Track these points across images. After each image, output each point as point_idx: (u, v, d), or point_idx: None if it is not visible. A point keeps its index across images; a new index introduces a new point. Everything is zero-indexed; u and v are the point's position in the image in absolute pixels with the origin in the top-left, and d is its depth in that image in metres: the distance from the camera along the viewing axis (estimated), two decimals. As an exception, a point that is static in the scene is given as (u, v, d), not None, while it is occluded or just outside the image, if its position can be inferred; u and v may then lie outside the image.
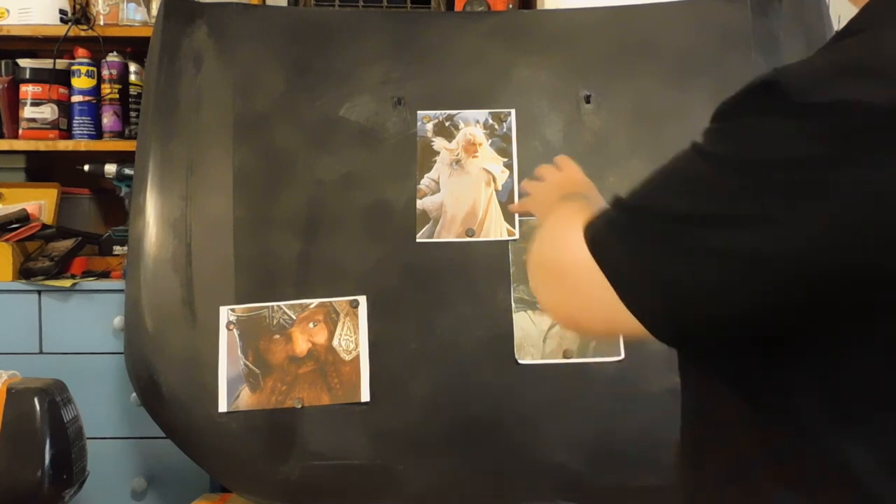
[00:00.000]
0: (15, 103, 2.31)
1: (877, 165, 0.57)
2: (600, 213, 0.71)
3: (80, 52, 2.31)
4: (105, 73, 2.30)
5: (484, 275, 1.71)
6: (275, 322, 1.69)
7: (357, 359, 1.66)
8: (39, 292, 2.00)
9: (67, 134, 2.31)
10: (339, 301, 1.69)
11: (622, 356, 1.66)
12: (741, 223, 0.60)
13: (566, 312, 0.76)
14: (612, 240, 0.68)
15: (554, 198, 1.03)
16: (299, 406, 1.64)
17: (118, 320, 1.95)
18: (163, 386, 1.65)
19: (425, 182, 1.76)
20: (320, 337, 1.68)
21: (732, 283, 0.61)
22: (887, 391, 0.63)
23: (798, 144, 0.59)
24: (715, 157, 0.63)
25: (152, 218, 1.73)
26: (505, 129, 1.77)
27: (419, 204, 1.74)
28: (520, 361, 1.66)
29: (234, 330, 1.68)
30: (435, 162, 1.77)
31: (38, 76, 2.30)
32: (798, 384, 0.66)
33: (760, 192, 0.60)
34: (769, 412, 0.68)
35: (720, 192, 0.62)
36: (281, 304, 1.69)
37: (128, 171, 2.12)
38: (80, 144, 2.30)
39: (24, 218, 2.17)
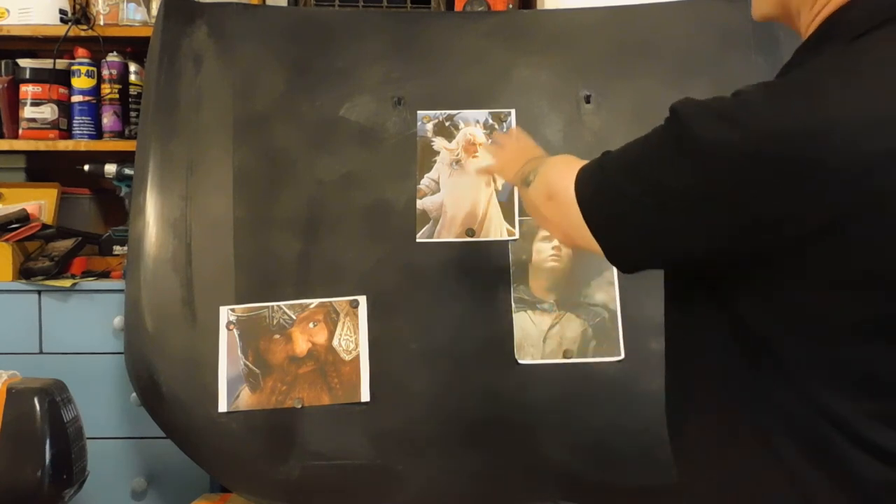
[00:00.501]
0: (15, 103, 2.31)
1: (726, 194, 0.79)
2: (590, 164, 0.98)
3: (80, 52, 2.31)
4: (105, 73, 2.30)
5: (484, 275, 1.71)
6: (275, 322, 1.69)
7: (357, 359, 1.66)
8: (39, 292, 2.00)
9: (67, 134, 2.31)
10: (339, 301, 1.69)
11: (622, 356, 1.66)
12: (660, 209, 0.85)
13: (561, 228, 1.06)
14: (591, 188, 0.95)
15: (516, 162, 1.30)
16: (299, 406, 1.64)
17: (118, 320, 1.95)
18: (163, 386, 1.65)
19: (425, 182, 1.76)
20: (320, 337, 1.68)
21: (658, 244, 0.88)
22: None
23: (681, 165, 0.82)
24: (652, 154, 0.88)
25: (152, 218, 1.73)
26: (505, 129, 1.77)
27: (419, 204, 1.74)
28: (520, 361, 1.66)
29: (234, 330, 1.68)
30: (435, 162, 1.77)
31: (38, 76, 2.30)
32: (721, 328, 0.88)
33: (663, 193, 0.85)
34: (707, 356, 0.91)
35: (651, 183, 0.86)
36: (281, 304, 1.69)
37: (128, 171, 2.13)
38: (80, 144, 2.30)
39: (24, 218, 2.17)
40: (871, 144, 0.74)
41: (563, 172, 1.02)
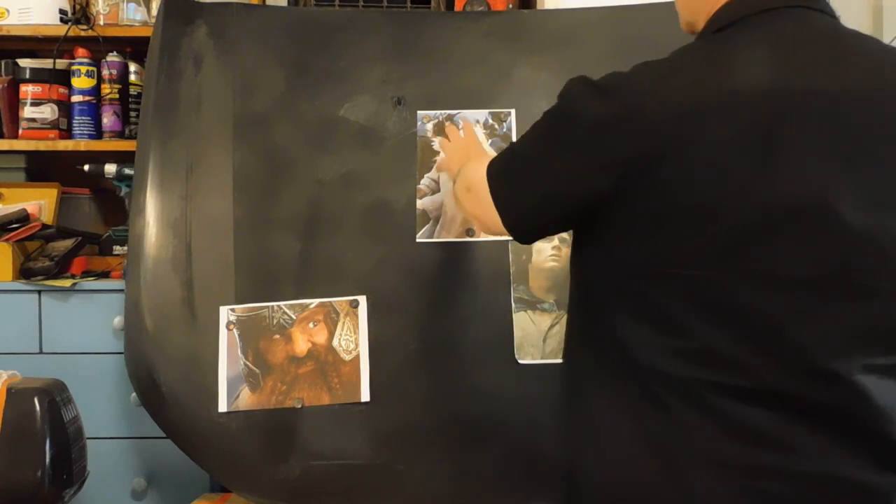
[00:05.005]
0: (15, 103, 2.31)
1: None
2: (497, 156, 1.16)
3: (80, 52, 2.31)
4: (105, 73, 2.30)
5: (484, 275, 1.71)
6: (275, 322, 1.69)
7: (357, 359, 1.66)
8: (39, 292, 2.00)
9: (67, 134, 2.31)
10: (339, 301, 1.69)
11: (622, 356, 1.65)
12: (539, 164, 1.06)
13: (479, 217, 1.22)
14: (496, 166, 1.13)
15: (459, 159, 1.48)
16: (299, 406, 1.64)
17: (118, 320, 1.95)
18: (163, 386, 1.65)
19: (425, 182, 1.76)
20: (320, 337, 1.68)
21: (539, 197, 1.06)
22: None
23: (557, 128, 1.05)
24: (543, 124, 1.08)
25: (152, 218, 1.73)
26: (505, 129, 1.77)
27: (419, 204, 1.74)
28: (520, 361, 1.66)
29: (234, 330, 1.68)
30: (435, 162, 1.77)
31: (38, 76, 2.30)
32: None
33: (543, 151, 1.07)
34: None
35: (538, 146, 1.08)
36: (281, 304, 1.69)
37: (128, 171, 2.12)
38: (80, 144, 2.30)
39: (24, 218, 2.17)
40: (673, 109, 0.93)
41: (481, 164, 1.16)
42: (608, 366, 1.00)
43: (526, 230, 1.12)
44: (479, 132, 1.78)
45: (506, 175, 1.11)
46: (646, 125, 0.93)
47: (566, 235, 1.71)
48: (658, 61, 1.00)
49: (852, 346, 0.90)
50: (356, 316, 1.68)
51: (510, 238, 1.14)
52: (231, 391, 1.64)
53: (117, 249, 2.20)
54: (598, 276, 1.03)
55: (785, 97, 0.91)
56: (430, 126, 1.79)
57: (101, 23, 2.30)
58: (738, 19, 1.00)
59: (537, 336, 1.67)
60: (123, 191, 2.18)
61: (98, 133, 2.32)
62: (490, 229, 1.18)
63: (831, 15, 1.02)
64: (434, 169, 1.76)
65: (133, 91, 2.32)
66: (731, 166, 0.90)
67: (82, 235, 2.21)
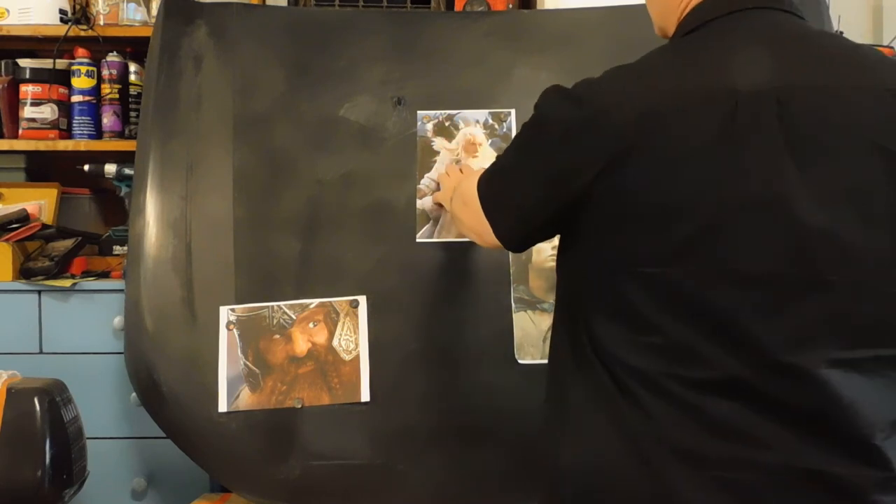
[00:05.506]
0: (15, 103, 2.31)
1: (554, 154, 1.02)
2: (485, 170, 1.19)
3: (80, 52, 2.31)
4: (105, 72, 2.30)
5: (484, 275, 1.71)
6: (275, 322, 1.69)
7: (357, 359, 1.66)
8: (39, 292, 2.00)
9: (67, 134, 2.31)
10: (339, 301, 1.69)
11: (622, 356, 1.65)
12: (522, 175, 1.09)
13: (475, 230, 1.24)
14: (484, 178, 1.17)
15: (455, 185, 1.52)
16: (299, 406, 1.64)
17: (118, 320, 1.95)
18: (163, 386, 1.65)
19: (425, 182, 1.76)
20: (320, 337, 1.68)
21: (525, 208, 1.09)
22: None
23: (532, 135, 1.07)
24: (521, 134, 1.10)
25: (152, 218, 1.73)
26: (505, 129, 1.77)
27: (419, 204, 1.74)
28: (520, 361, 1.66)
29: (234, 330, 1.68)
30: (435, 162, 1.77)
31: (38, 76, 2.30)
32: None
33: (523, 162, 1.10)
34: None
35: (518, 157, 1.12)
36: (281, 304, 1.69)
37: (128, 171, 2.12)
38: (80, 144, 2.30)
39: (24, 218, 2.17)
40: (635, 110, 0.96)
41: (473, 179, 1.21)
42: (585, 361, 1.02)
43: (515, 239, 1.14)
44: (479, 132, 1.78)
45: (491, 187, 1.15)
46: (611, 128, 0.96)
47: (566, 235, 1.71)
48: (628, 65, 1.03)
49: (814, 340, 0.91)
50: (356, 316, 1.68)
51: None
52: (231, 391, 1.64)
53: (117, 249, 2.20)
54: (576, 276, 1.06)
55: (745, 95, 0.92)
56: (430, 126, 1.79)
57: (101, 23, 2.30)
58: (706, 21, 1.02)
59: (537, 336, 1.67)
60: (123, 191, 2.19)
61: (98, 133, 2.32)
62: (487, 242, 1.21)
63: (799, 15, 1.03)
64: (433, 171, 1.76)
65: (133, 91, 2.32)
66: (691, 165, 0.92)
67: (82, 235, 2.21)
